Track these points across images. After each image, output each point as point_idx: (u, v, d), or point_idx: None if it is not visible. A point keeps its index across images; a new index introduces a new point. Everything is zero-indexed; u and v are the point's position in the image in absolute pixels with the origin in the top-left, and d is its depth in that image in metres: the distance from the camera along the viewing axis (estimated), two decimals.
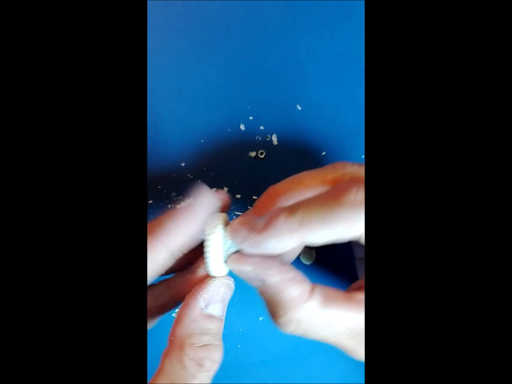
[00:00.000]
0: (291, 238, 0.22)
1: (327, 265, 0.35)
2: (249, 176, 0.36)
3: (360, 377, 0.36)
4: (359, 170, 0.24)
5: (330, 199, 0.21)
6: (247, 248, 0.23)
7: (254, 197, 0.36)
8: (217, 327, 0.23)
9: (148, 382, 0.22)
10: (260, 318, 0.36)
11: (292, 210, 0.22)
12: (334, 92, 0.37)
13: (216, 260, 0.24)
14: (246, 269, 0.23)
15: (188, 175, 0.36)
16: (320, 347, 0.36)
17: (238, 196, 0.36)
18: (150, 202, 0.35)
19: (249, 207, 0.36)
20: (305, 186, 0.24)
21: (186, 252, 0.24)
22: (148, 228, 0.23)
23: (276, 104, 0.36)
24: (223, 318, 0.24)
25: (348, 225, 0.21)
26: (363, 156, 0.37)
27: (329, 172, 0.25)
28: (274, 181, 0.36)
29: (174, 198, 0.36)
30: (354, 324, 0.22)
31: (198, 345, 0.22)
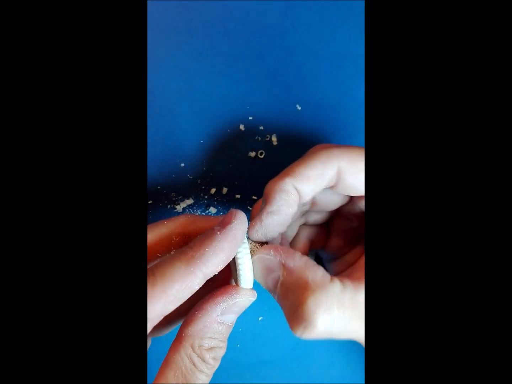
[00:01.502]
0: (289, 195, 0.24)
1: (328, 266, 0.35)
2: (249, 176, 0.36)
3: (360, 377, 0.36)
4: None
5: (312, 152, 0.26)
6: (261, 233, 0.25)
7: (254, 197, 0.36)
8: (226, 332, 0.24)
9: (157, 372, 0.23)
10: (260, 318, 0.36)
11: (283, 173, 0.25)
12: (333, 92, 0.37)
13: (248, 274, 0.24)
14: (269, 256, 0.24)
15: (188, 175, 0.36)
16: (320, 347, 0.36)
17: (238, 196, 0.36)
18: (150, 202, 0.35)
19: (249, 207, 0.36)
20: None
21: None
22: (188, 254, 0.22)
23: (276, 104, 0.36)
24: (233, 324, 0.25)
25: (324, 163, 0.24)
26: None
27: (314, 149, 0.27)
28: None
29: (174, 199, 0.36)
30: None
31: (207, 347, 0.23)
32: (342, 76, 0.37)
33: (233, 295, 0.24)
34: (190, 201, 0.35)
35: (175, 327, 0.29)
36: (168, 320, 0.28)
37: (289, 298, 0.22)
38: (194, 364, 0.23)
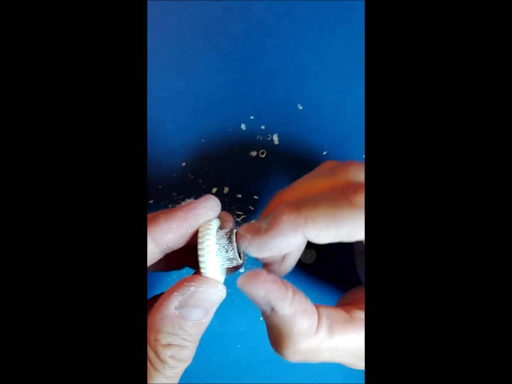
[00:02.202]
0: (296, 234, 0.21)
1: (327, 265, 0.35)
2: (250, 176, 0.36)
3: (360, 377, 0.36)
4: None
5: (339, 198, 0.21)
6: (253, 251, 0.22)
7: (255, 197, 0.36)
8: (190, 330, 0.22)
9: None
10: (261, 318, 0.36)
11: (298, 207, 0.21)
12: (334, 91, 0.37)
13: (209, 261, 0.23)
14: (259, 294, 0.21)
15: (189, 175, 0.36)
16: None
17: (239, 195, 0.36)
18: (150, 202, 0.35)
19: (250, 206, 0.36)
20: (314, 192, 0.24)
21: (175, 249, 0.24)
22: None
23: (277, 104, 0.36)
24: (204, 322, 0.23)
25: (355, 227, 0.21)
26: (363, 156, 0.37)
27: (339, 177, 0.24)
28: (275, 181, 0.36)
29: (175, 198, 0.36)
30: (357, 346, 0.22)
31: (163, 343, 0.22)
32: (343, 76, 0.37)
33: (191, 284, 0.22)
34: (191, 201, 0.35)
35: None
36: None
37: (273, 330, 0.23)
38: (149, 360, 0.21)
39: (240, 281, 0.22)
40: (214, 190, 0.36)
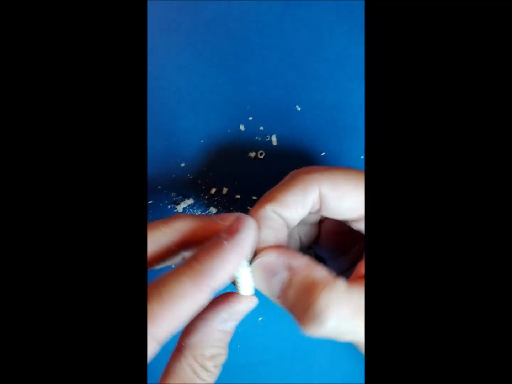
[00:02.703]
0: (274, 220, 0.24)
1: (327, 265, 0.35)
2: (249, 177, 0.36)
3: (360, 377, 0.36)
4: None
5: (287, 179, 0.25)
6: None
7: (254, 198, 0.36)
8: (226, 339, 0.24)
9: (158, 382, 0.23)
10: (260, 319, 0.36)
11: (260, 202, 0.25)
12: (333, 92, 0.37)
13: (247, 281, 0.24)
14: (272, 258, 0.23)
15: (188, 175, 0.36)
16: (320, 347, 0.36)
17: (238, 196, 0.36)
18: (150, 202, 0.35)
19: (248, 207, 0.36)
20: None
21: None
22: (194, 268, 0.21)
23: (276, 105, 0.36)
24: (234, 330, 0.24)
25: (305, 188, 0.24)
26: (362, 157, 0.37)
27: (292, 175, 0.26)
28: (274, 182, 0.36)
29: (174, 199, 0.36)
30: None
31: (208, 356, 0.23)
32: (342, 77, 0.37)
33: (233, 304, 0.24)
34: (190, 201, 0.35)
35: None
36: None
37: (297, 299, 0.22)
38: (196, 374, 0.23)
39: (255, 257, 0.23)
40: (213, 190, 0.36)
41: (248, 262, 0.24)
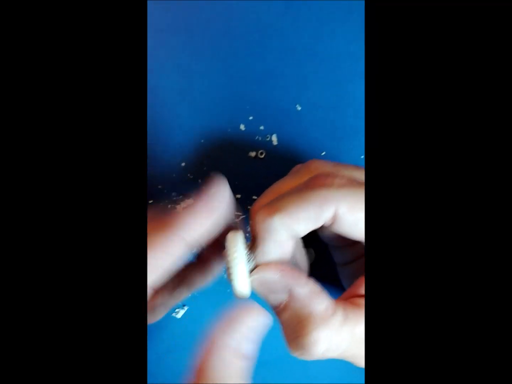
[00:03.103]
0: (281, 234, 0.22)
1: (327, 265, 0.35)
2: (249, 176, 0.36)
3: (360, 377, 0.36)
4: (331, 166, 0.25)
5: (302, 189, 0.23)
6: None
7: (254, 197, 0.36)
8: (247, 365, 0.21)
9: None
10: None
11: (270, 208, 0.23)
12: (334, 92, 0.37)
13: (241, 278, 0.23)
14: (275, 277, 0.22)
15: (188, 175, 0.36)
16: None
17: (238, 196, 0.36)
18: (150, 202, 0.35)
19: (248, 207, 0.36)
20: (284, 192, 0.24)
21: (204, 245, 0.24)
22: (164, 221, 0.22)
23: (276, 104, 0.36)
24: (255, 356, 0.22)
25: (321, 206, 0.22)
26: (362, 157, 0.37)
27: (302, 175, 0.25)
28: (274, 181, 0.36)
29: (174, 198, 0.36)
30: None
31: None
32: (342, 76, 0.37)
33: (240, 319, 0.21)
34: (190, 201, 0.35)
35: (169, 310, 0.28)
36: (161, 298, 0.27)
37: (290, 323, 0.22)
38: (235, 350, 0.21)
39: (255, 270, 0.23)
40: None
41: (247, 266, 0.23)
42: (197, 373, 0.20)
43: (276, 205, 0.23)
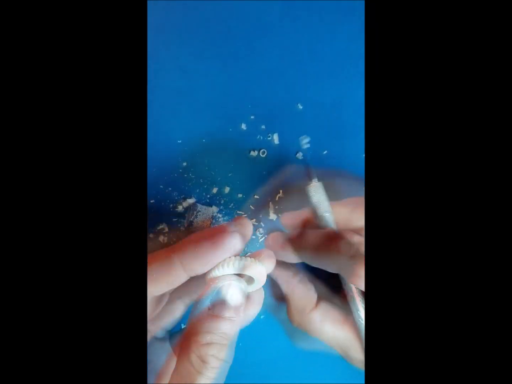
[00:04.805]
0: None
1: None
2: (251, 175, 0.36)
3: (360, 377, 0.36)
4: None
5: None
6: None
7: (256, 196, 0.36)
8: (224, 327, 0.23)
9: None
10: (262, 316, 0.36)
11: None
12: (334, 91, 0.37)
13: (233, 298, 0.24)
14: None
15: (190, 174, 0.36)
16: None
17: (240, 195, 0.36)
18: (152, 201, 0.35)
19: (250, 206, 0.36)
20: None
21: (200, 273, 0.24)
22: (172, 248, 0.23)
23: (278, 104, 0.37)
24: (236, 319, 0.23)
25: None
26: (363, 155, 0.37)
27: None
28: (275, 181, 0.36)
29: (176, 198, 0.36)
30: (342, 341, 0.27)
31: (202, 343, 0.22)
32: (343, 75, 0.37)
33: (215, 283, 0.24)
34: (192, 200, 0.35)
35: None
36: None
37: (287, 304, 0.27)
38: (193, 366, 0.22)
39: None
40: (215, 189, 0.36)
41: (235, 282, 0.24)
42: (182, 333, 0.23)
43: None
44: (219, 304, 0.23)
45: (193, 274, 0.23)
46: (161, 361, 0.27)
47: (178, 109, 0.36)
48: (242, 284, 0.24)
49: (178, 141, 0.36)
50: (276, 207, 0.36)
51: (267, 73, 0.37)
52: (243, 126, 0.36)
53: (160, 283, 0.23)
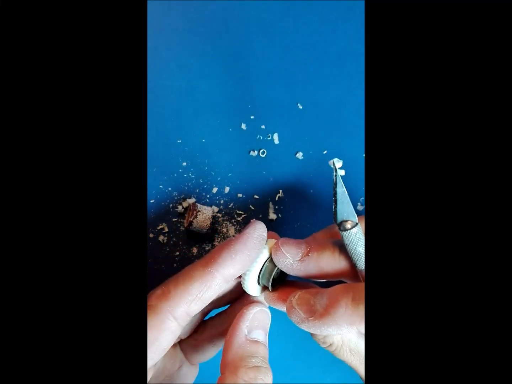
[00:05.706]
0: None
1: None
2: (251, 175, 0.36)
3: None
4: None
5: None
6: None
7: (256, 196, 0.36)
8: (262, 351, 0.24)
9: None
10: None
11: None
12: (334, 91, 0.37)
13: (251, 278, 0.26)
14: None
15: (190, 174, 0.36)
16: (320, 347, 0.36)
17: (240, 195, 0.36)
18: (152, 201, 0.35)
19: (251, 206, 0.36)
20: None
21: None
22: (206, 258, 0.25)
23: (277, 103, 0.37)
24: (267, 344, 0.25)
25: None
26: (363, 155, 0.37)
27: None
28: (276, 180, 0.36)
29: (176, 197, 0.36)
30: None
31: (249, 366, 0.23)
32: (342, 75, 0.37)
33: (250, 310, 0.25)
34: (192, 200, 0.35)
35: (219, 349, 0.30)
36: (210, 339, 0.29)
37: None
38: None
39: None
40: (215, 189, 0.36)
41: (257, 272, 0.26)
42: (222, 361, 0.24)
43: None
44: (255, 329, 0.25)
45: (230, 280, 0.25)
46: None
47: (178, 109, 0.36)
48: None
49: (178, 141, 0.36)
50: (276, 207, 0.36)
51: (267, 73, 0.37)
52: (243, 126, 0.36)
53: (205, 300, 0.24)
